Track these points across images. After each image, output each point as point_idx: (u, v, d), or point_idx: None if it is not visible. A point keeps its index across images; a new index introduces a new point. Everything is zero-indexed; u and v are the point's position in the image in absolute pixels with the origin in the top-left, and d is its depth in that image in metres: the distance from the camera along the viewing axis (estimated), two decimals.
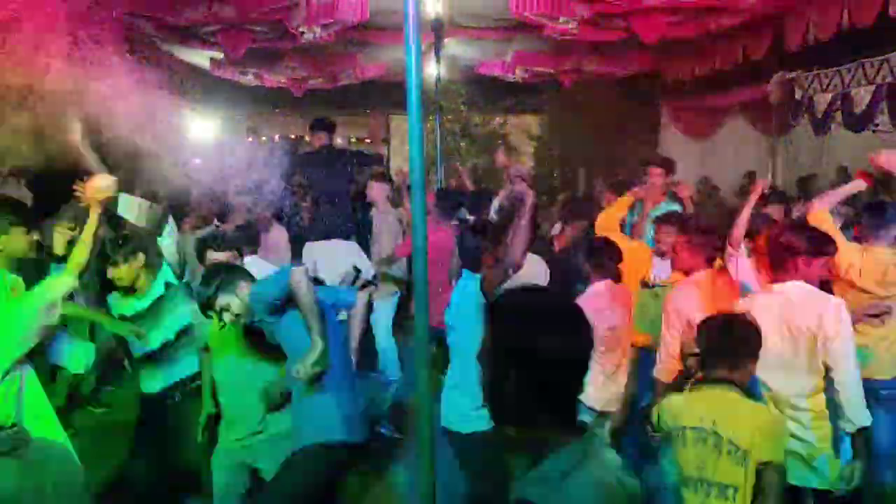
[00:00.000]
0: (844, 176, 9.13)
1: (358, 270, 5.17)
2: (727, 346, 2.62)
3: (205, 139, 12.93)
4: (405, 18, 1.77)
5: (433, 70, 7.32)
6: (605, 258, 4.06)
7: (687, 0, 6.36)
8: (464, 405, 3.14)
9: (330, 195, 5.85)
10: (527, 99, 13.10)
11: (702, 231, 3.87)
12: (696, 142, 11.55)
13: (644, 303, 4.39)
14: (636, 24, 7.01)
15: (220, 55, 8.93)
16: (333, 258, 5.48)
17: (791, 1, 6.87)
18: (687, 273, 3.81)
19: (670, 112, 11.96)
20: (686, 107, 11.38)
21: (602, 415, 3.97)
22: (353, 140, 15.82)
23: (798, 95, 8.07)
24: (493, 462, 2.99)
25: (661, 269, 4.45)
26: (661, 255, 4.42)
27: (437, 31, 6.16)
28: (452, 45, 9.24)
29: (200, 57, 9.48)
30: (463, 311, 3.23)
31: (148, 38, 7.56)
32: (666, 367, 3.60)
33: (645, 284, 4.47)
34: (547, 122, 13.87)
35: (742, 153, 10.64)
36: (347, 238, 5.74)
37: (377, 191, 5.88)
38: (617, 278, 4.08)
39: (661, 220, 4.56)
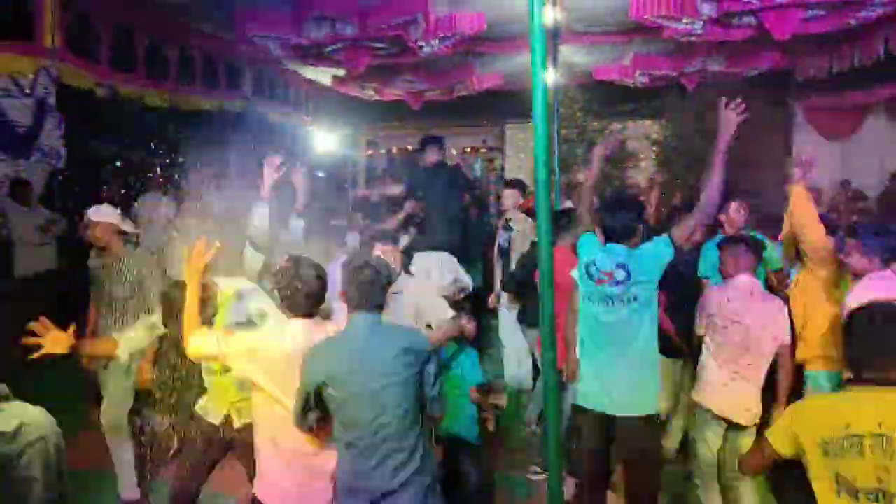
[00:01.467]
0: None
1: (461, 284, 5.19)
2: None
3: (327, 152, 13.50)
4: (531, 25, 1.74)
5: (550, 77, 7.25)
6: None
7: None
8: None
9: (443, 208, 5.97)
10: (646, 103, 12.71)
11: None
12: (834, 142, 10.80)
13: None
14: (768, 20, 6.63)
15: (341, 72, 9.26)
16: (440, 269, 5.54)
17: None
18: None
19: (805, 112, 11.25)
20: (822, 105, 10.66)
21: None
22: (468, 150, 15.96)
23: None
24: None
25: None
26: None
27: (554, 37, 6.10)
28: (568, 52, 9.12)
29: (323, 74, 9.87)
30: None
31: (273, 57, 7.96)
32: None
33: None
34: (669, 127, 13.39)
35: (887, 154, 9.84)
36: (453, 252, 5.81)
37: (510, 199, 5.93)
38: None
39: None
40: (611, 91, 11.92)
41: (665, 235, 3.48)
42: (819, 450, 2.27)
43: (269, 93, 9.72)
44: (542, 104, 1.82)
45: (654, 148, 13.70)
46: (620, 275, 3.39)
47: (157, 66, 7.25)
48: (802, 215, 3.72)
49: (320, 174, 14.78)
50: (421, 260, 5.71)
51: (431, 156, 6.92)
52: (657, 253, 3.43)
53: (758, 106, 11.71)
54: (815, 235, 3.76)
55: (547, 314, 1.89)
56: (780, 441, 2.41)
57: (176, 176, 9.72)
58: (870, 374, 2.29)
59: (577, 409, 3.64)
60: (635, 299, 3.38)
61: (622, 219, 3.50)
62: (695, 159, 12.44)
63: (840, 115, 10.38)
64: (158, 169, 8.66)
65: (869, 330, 2.32)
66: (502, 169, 15.22)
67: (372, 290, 2.74)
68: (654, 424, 3.51)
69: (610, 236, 3.55)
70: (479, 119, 14.02)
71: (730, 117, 3.48)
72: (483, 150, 16.28)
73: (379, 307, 2.79)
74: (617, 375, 3.40)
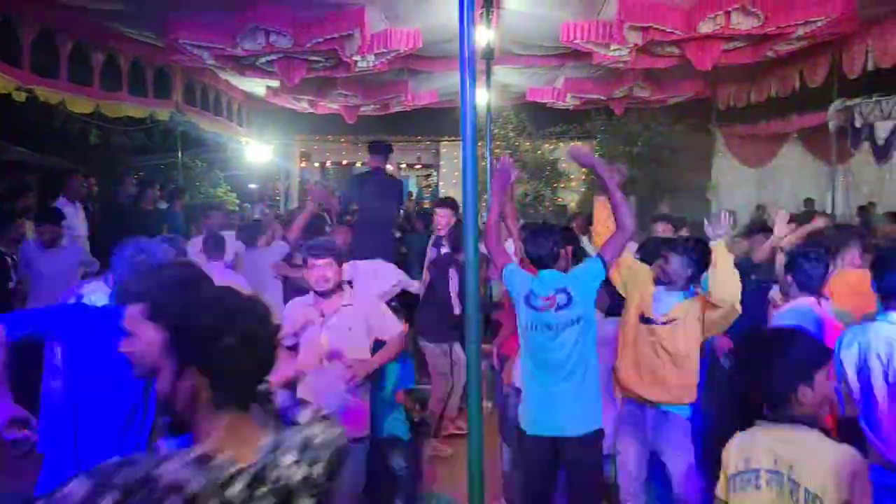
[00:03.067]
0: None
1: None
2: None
3: (260, 164, 13.31)
4: (461, 47, 1.79)
5: (483, 97, 7.37)
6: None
7: (742, 28, 6.26)
8: None
9: (376, 216, 6.00)
10: (578, 125, 13.08)
11: None
12: (752, 169, 11.34)
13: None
14: (690, 50, 6.94)
15: (275, 83, 9.17)
16: (376, 277, 5.54)
17: (850, 28, 6.71)
18: None
19: (725, 139, 11.79)
20: (741, 133, 11.20)
21: None
22: (403, 166, 16.01)
23: (858, 123, 7.88)
24: None
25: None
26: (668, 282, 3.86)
27: (488, 58, 6.21)
28: (502, 73, 9.31)
29: (257, 85, 9.76)
30: None
31: (206, 66, 7.82)
32: None
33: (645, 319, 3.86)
34: (599, 149, 13.80)
35: (800, 181, 10.41)
36: (387, 256, 5.85)
37: (443, 218, 5.95)
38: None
39: None
40: (544, 113, 12.23)
41: (596, 256, 3.59)
42: (728, 485, 2.25)
43: (200, 102, 9.52)
44: (471, 124, 1.87)
45: (585, 169, 14.05)
46: (562, 299, 3.47)
47: (82, 71, 6.99)
48: (723, 271, 3.69)
49: (252, 185, 14.56)
50: (357, 270, 5.66)
51: (374, 162, 7.02)
52: (591, 273, 3.53)
53: (681, 132, 12.28)
54: (732, 289, 3.69)
55: (474, 329, 1.93)
56: (720, 484, 2.34)
57: (95, 184, 9.41)
58: (767, 410, 2.22)
59: (522, 434, 3.65)
60: (578, 320, 3.46)
61: (544, 246, 3.59)
62: (624, 181, 12.89)
63: (757, 143, 10.92)
64: (78, 176, 8.34)
65: (755, 364, 2.25)
66: (437, 186, 15.33)
67: None
68: (599, 437, 3.58)
69: (538, 264, 3.62)
70: (414, 136, 14.11)
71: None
72: (418, 167, 16.36)
73: None
74: (567, 398, 3.47)
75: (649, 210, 10.01)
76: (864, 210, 9.59)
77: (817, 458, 2.07)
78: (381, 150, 7.10)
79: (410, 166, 16.29)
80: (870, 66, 7.12)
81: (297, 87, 8.83)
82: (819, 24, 6.26)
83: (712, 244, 3.70)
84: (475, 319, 1.95)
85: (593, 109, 11.78)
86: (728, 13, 6.05)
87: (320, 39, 6.39)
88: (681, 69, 7.96)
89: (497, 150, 13.21)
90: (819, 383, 2.12)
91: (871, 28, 6.87)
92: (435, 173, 15.59)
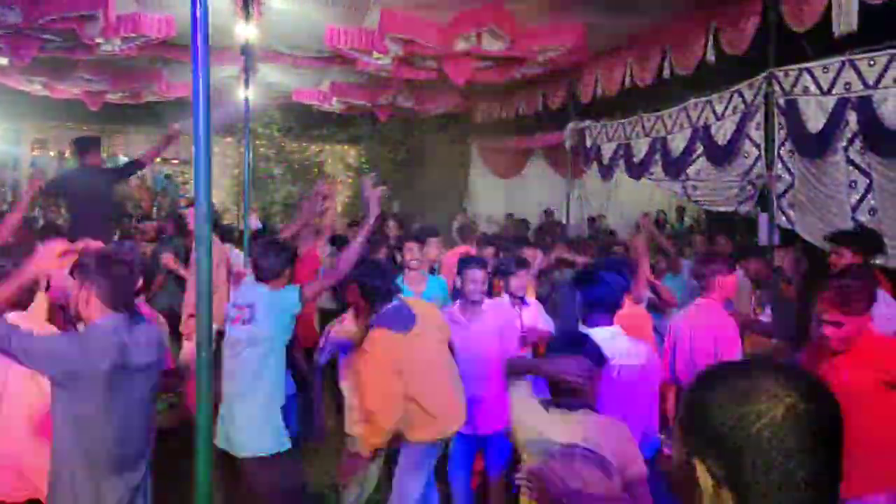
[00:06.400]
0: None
1: None
2: None
3: None
4: (192, 39, 1.73)
5: (243, 93, 7.11)
6: None
7: (492, 49, 6.77)
8: None
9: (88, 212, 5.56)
10: (344, 129, 13.20)
11: None
12: (502, 180, 12.25)
13: None
14: (446, 66, 7.35)
15: (3, 61, 8.08)
16: None
17: (582, 58, 7.56)
18: None
19: (478, 151, 12.63)
20: (493, 147, 12.07)
21: None
22: (158, 160, 14.92)
23: (588, 143, 8.89)
24: None
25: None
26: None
27: (247, 55, 6.02)
28: (268, 71, 9.08)
29: None
30: None
31: None
32: None
33: None
34: (364, 154, 14.05)
35: (543, 193, 11.44)
36: None
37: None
38: None
39: None
40: (311, 114, 12.16)
41: (297, 287, 3.39)
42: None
43: None
44: (204, 119, 1.81)
45: (350, 172, 14.26)
46: (248, 314, 3.28)
47: None
48: None
49: None
50: None
51: (94, 158, 6.20)
52: (284, 300, 3.32)
53: (442, 142, 12.89)
54: None
55: (205, 326, 1.87)
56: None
57: None
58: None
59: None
60: (259, 342, 3.26)
61: (271, 259, 3.37)
62: (387, 185, 13.25)
63: (507, 156, 11.83)
64: None
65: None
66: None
67: None
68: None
69: (258, 275, 3.41)
70: (164, 126, 13.19)
71: (374, 196, 3.55)
72: (175, 161, 15.36)
73: None
74: (242, 415, 3.25)
75: (412, 213, 10.39)
76: (593, 221, 10.84)
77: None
78: (95, 143, 6.26)
79: (166, 161, 15.22)
80: (599, 93, 8.09)
81: (30, 67, 7.88)
82: (556, 52, 6.97)
83: None
84: (207, 323, 1.88)
85: (359, 115, 11.96)
86: (479, 34, 6.50)
87: (54, 16, 5.75)
88: (442, 83, 8.39)
89: (262, 150, 12.90)
90: None
91: (599, 59, 7.81)
92: (190, 169, 14.75)
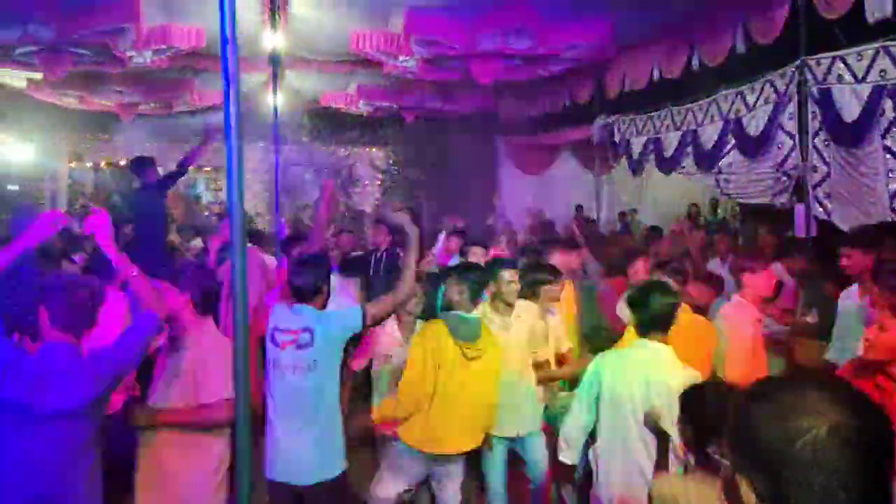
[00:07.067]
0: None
1: None
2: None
3: (23, 163, 11.91)
4: (222, 48, 1.76)
5: (275, 100, 7.19)
6: None
7: (517, 47, 6.75)
8: None
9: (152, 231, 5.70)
10: (372, 132, 13.25)
11: None
12: (531, 177, 12.19)
13: None
14: (472, 66, 7.35)
15: (38, 76, 8.28)
16: None
17: (608, 53, 7.50)
18: None
19: (506, 149, 12.58)
20: (520, 144, 12.02)
21: None
22: (192, 168, 15.15)
23: (616, 138, 8.81)
24: None
25: None
26: None
27: (275, 63, 6.08)
28: (294, 77, 9.18)
29: (16, 77, 8.73)
30: None
31: None
32: None
33: None
34: (392, 156, 14.09)
35: (572, 189, 11.36)
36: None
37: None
38: None
39: None
40: (338, 118, 12.24)
41: (357, 307, 3.28)
42: None
43: None
44: (236, 128, 1.83)
45: (380, 175, 14.32)
46: (304, 338, 3.10)
47: None
48: None
49: (11, 187, 12.99)
50: None
51: (151, 176, 6.46)
52: (347, 322, 3.18)
53: (468, 142, 12.88)
54: None
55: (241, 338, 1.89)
56: None
57: None
58: None
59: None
60: (316, 364, 3.09)
61: (307, 278, 3.19)
62: (416, 187, 13.29)
63: (535, 154, 11.78)
64: None
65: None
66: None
67: None
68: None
69: (296, 297, 3.21)
70: (198, 136, 13.38)
71: (403, 219, 3.51)
72: (207, 169, 15.58)
73: None
74: (304, 443, 3.09)
75: (440, 213, 10.40)
76: (623, 216, 10.75)
77: None
78: (144, 164, 6.53)
79: (199, 168, 15.44)
80: (626, 87, 8.02)
81: (63, 82, 8.06)
82: (582, 48, 6.93)
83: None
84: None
85: (386, 117, 12.00)
86: (505, 33, 6.49)
87: (87, 32, 5.88)
88: (468, 82, 8.39)
89: (294, 155, 13.02)
90: None
91: (627, 53, 7.74)
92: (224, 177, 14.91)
